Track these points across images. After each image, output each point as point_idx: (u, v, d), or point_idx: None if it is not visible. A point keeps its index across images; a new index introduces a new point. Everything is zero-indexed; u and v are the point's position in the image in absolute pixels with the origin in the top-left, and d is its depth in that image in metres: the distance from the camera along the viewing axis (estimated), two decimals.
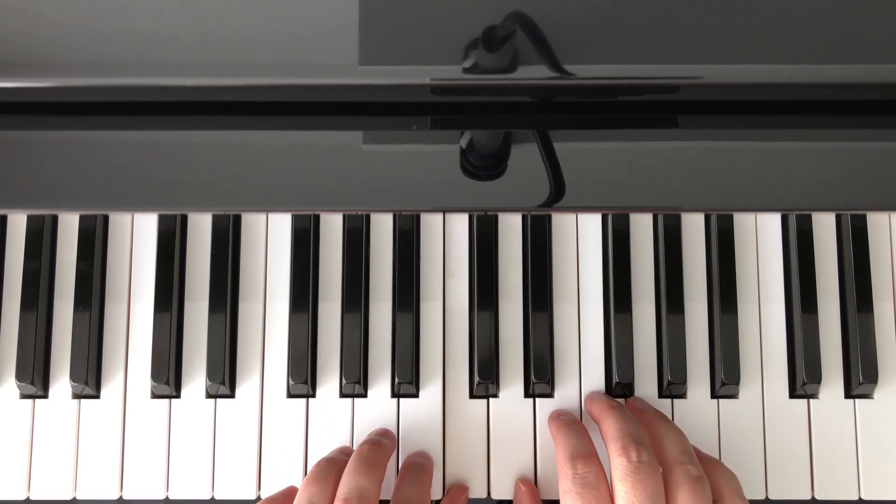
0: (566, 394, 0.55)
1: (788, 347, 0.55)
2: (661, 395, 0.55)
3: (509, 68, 0.52)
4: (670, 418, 0.54)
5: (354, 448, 0.53)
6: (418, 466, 0.51)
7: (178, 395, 0.55)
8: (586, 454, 0.47)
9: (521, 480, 0.53)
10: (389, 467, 0.52)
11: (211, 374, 0.54)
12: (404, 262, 0.55)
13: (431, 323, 0.55)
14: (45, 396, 0.55)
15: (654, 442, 0.49)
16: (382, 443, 0.50)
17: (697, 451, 0.51)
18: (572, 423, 0.51)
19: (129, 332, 0.55)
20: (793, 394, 0.55)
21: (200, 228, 0.56)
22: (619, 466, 0.45)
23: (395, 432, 0.54)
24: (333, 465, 0.49)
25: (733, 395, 0.55)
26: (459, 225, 0.57)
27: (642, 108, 0.54)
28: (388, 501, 0.49)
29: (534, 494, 0.52)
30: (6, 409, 0.55)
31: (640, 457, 0.45)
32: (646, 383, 0.55)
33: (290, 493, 0.50)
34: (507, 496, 0.54)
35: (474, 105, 0.55)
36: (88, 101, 0.54)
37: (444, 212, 0.56)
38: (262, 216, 0.57)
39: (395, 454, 0.54)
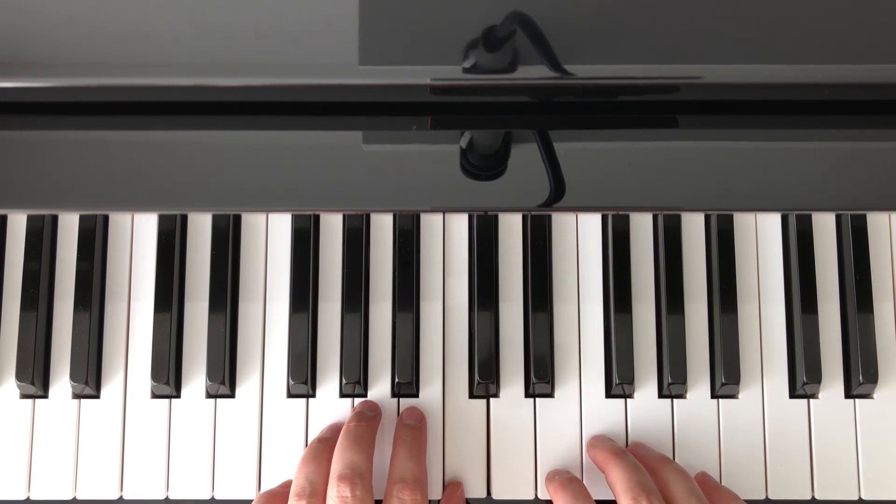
0: (566, 394, 0.55)
1: (788, 347, 0.55)
2: (660, 395, 0.55)
3: (509, 68, 0.52)
4: (670, 420, 0.54)
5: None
6: (411, 438, 0.51)
7: (178, 395, 0.55)
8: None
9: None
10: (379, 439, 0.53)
11: (211, 374, 0.54)
12: (404, 262, 0.55)
13: (431, 323, 0.55)
14: (45, 396, 0.55)
15: (661, 487, 0.48)
16: (368, 416, 0.51)
17: (713, 489, 0.50)
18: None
19: (129, 332, 0.55)
20: (793, 394, 0.55)
21: (200, 228, 0.56)
22: None
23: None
24: (326, 445, 0.50)
25: (733, 395, 0.55)
26: (459, 225, 0.56)
27: (642, 108, 0.54)
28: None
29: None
30: (6, 409, 0.55)
31: None
32: (646, 383, 0.55)
33: (289, 484, 0.50)
34: (508, 496, 0.54)
35: (474, 105, 0.55)
36: (88, 101, 0.54)
37: (444, 212, 0.56)
38: (262, 216, 0.57)
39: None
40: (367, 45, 0.51)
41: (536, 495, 0.54)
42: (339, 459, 0.47)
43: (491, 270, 0.55)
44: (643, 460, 0.51)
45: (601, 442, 0.53)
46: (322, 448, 0.50)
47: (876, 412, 0.55)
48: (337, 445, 0.49)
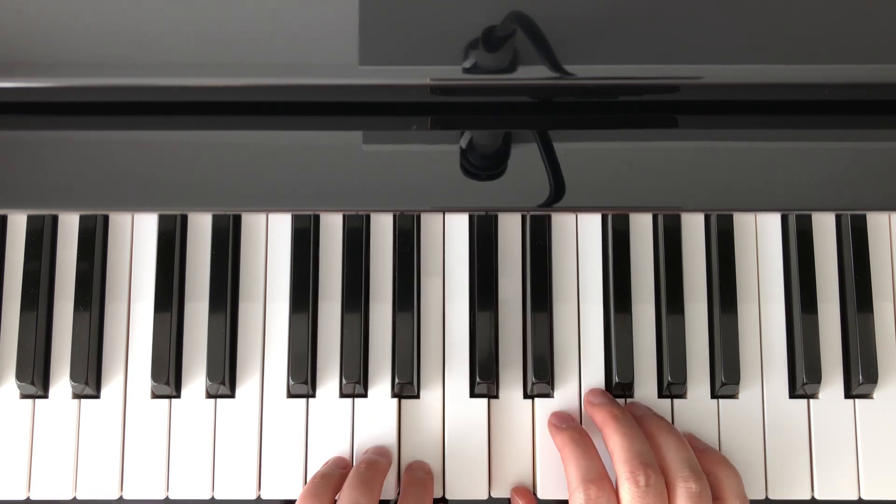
0: (566, 394, 0.55)
1: (788, 347, 0.55)
2: (660, 395, 0.55)
3: (509, 68, 0.52)
4: (670, 420, 0.54)
5: (350, 459, 0.54)
6: (421, 487, 0.51)
7: (178, 395, 0.55)
8: (598, 478, 0.48)
9: (517, 490, 0.53)
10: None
11: (211, 374, 0.54)
12: (404, 262, 0.55)
13: (431, 323, 0.55)
14: (45, 396, 0.55)
15: (657, 452, 0.49)
16: (379, 462, 0.51)
17: (700, 451, 0.51)
18: (580, 440, 0.51)
19: (129, 332, 0.55)
20: (793, 394, 0.55)
21: (200, 228, 0.56)
22: (627, 490, 0.46)
23: (395, 434, 0.54)
24: (329, 481, 0.50)
25: (733, 395, 0.55)
26: (459, 225, 0.56)
27: (642, 107, 0.54)
28: None
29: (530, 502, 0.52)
30: (6, 409, 0.55)
31: (647, 481, 0.46)
32: (646, 383, 0.55)
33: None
34: (508, 496, 0.54)
35: (474, 105, 0.55)
36: (88, 101, 0.54)
37: (444, 212, 0.56)
38: (262, 216, 0.57)
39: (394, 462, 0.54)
40: (367, 45, 0.51)
41: (536, 495, 0.54)
42: (346, 498, 0.47)
43: (491, 270, 0.55)
44: (640, 421, 0.51)
45: (601, 399, 0.53)
46: (324, 484, 0.49)
47: (876, 412, 0.55)
48: (346, 483, 0.49)
